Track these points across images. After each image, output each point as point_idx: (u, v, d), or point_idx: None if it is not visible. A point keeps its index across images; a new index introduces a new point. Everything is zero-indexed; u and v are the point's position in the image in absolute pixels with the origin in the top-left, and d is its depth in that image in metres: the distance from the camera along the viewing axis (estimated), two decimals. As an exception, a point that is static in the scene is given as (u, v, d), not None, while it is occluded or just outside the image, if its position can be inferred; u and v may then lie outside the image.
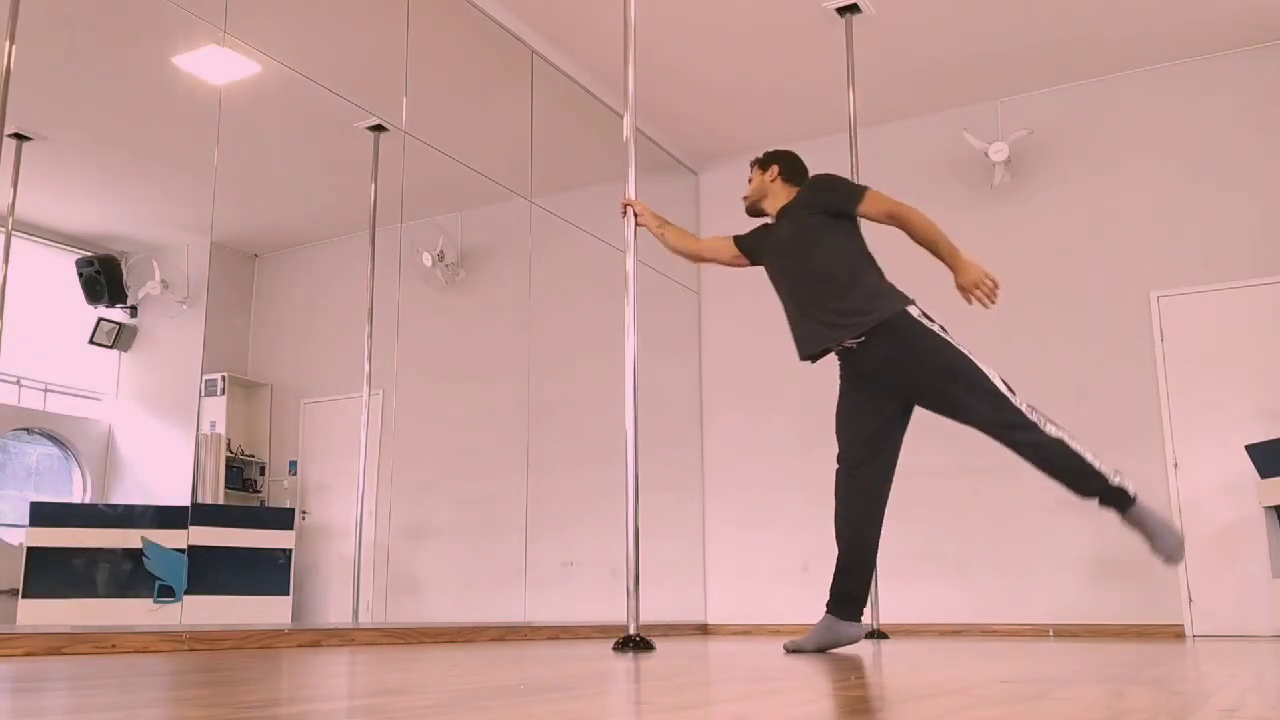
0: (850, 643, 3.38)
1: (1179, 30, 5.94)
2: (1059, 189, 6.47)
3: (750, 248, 3.82)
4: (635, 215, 3.95)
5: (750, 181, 3.81)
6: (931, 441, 6.50)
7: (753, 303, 7.36)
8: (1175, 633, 5.67)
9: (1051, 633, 5.87)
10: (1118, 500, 3.14)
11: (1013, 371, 6.30)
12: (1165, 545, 3.15)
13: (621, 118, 4.16)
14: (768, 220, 3.80)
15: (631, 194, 3.96)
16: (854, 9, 5.65)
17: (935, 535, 6.35)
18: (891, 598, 5.92)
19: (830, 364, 6.79)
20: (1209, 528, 5.72)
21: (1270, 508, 5.17)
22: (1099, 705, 1.49)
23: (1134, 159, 6.30)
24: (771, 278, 3.68)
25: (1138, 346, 6.09)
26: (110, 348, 5.37)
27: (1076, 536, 6.04)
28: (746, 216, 7.90)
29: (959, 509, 6.34)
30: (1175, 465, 5.86)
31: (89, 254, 5.29)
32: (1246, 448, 5.23)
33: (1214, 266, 5.98)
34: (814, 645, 3.35)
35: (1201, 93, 6.18)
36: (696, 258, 4.05)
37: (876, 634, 5.13)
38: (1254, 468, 5.19)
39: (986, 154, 6.40)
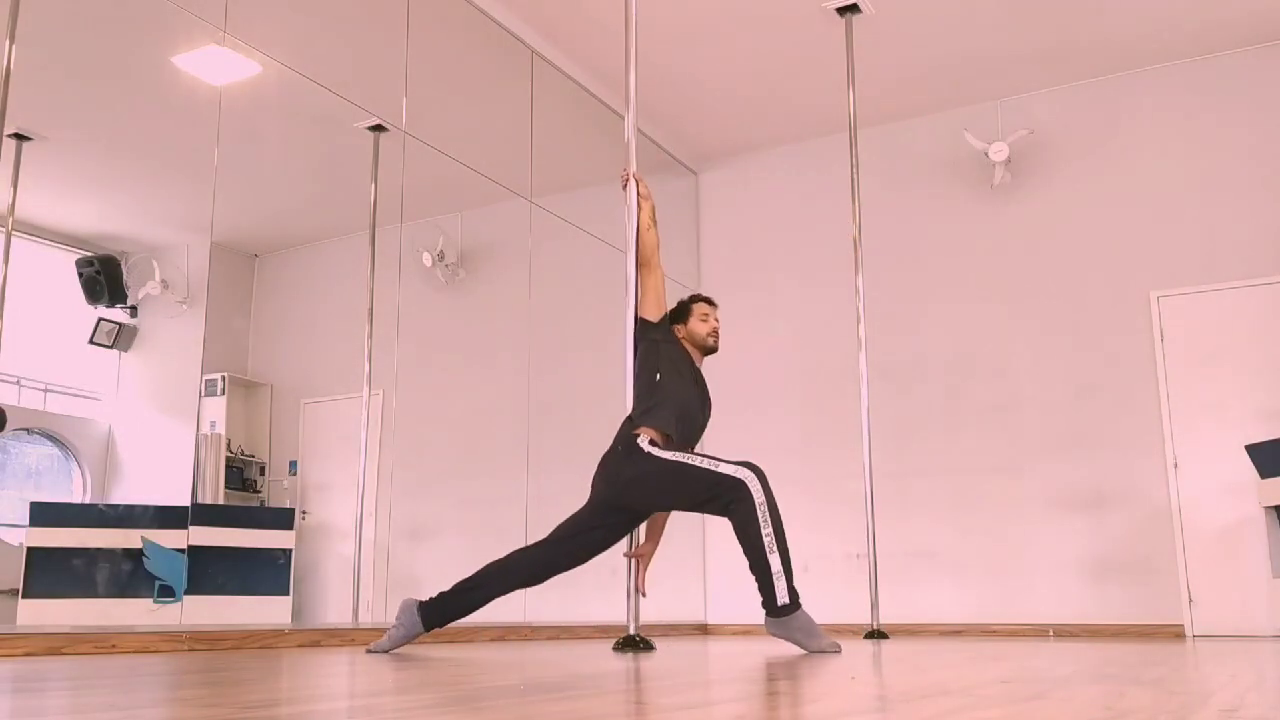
0: (411, 641, 3.43)
1: (1179, 30, 5.94)
2: (1059, 189, 6.47)
3: (668, 335, 3.82)
4: (638, 183, 3.87)
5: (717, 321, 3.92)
6: (931, 442, 6.53)
7: (752, 303, 7.38)
8: (1175, 633, 5.67)
9: (1051, 633, 5.87)
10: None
11: (1014, 371, 6.33)
12: (823, 645, 3.32)
13: (622, 118, 4.15)
14: (683, 335, 3.86)
15: (633, 196, 3.93)
16: (854, 9, 5.65)
17: (935, 535, 6.35)
18: (891, 598, 5.92)
19: (830, 373, 6.77)
20: (1209, 528, 5.72)
21: (1270, 508, 5.17)
22: (1099, 705, 1.49)
23: (1134, 159, 6.30)
24: (687, 385, 3.75)
25: (1138, 346, 6.09)
26: (110, 348, 5.36)
27: (1076, 536, 6.04)
28: (744, 217, 8.00)
29: (959, 509, 6.34)
30: (1175, 465, 5.86)
31: (89, 254, 5.28)
32: (1246, 448, 5.23)
33: (1214, 266, 5.98)
34: (391, 645, 3.41)
35: (1202, 93, 6.18)
36: (646, 255, 3.89)
37: (877, 634, 5.12)
38: (1254, 468, 5.19)
39: (986, 154, 6.40)
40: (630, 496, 3.52)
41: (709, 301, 3.92)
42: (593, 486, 3.58)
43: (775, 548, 3.34)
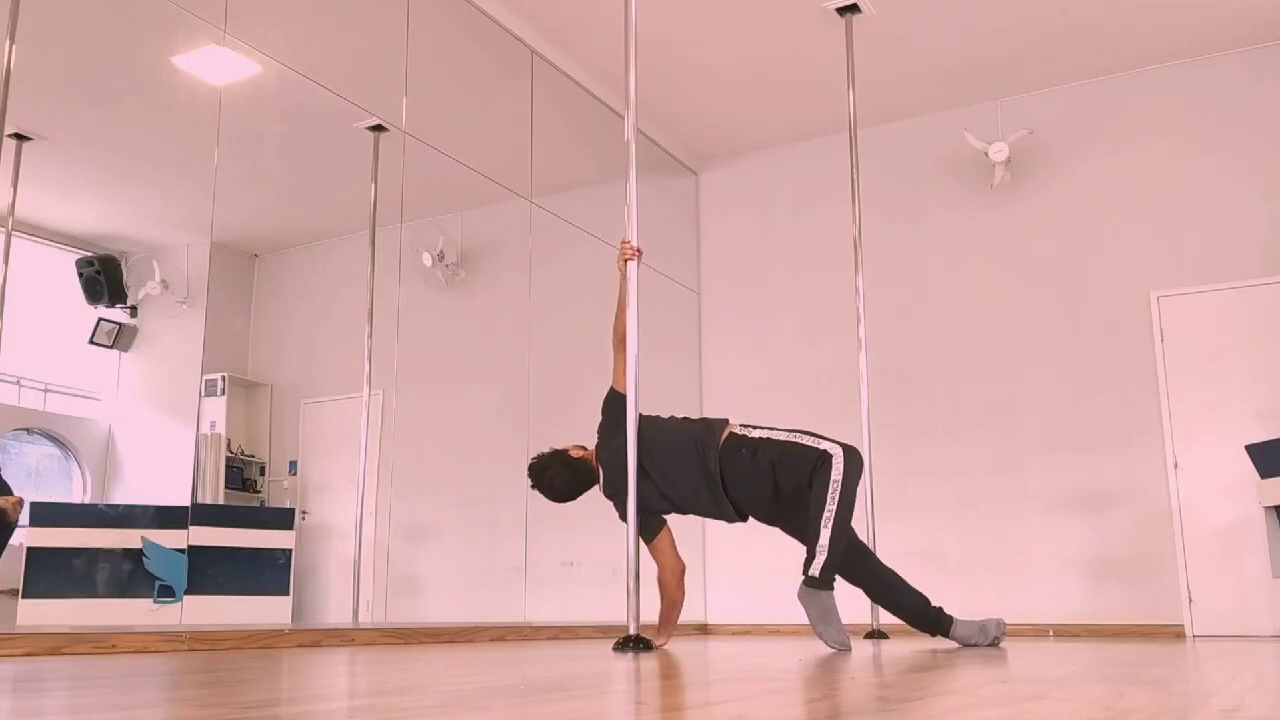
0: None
1: (1179, 30, 5.94)
2: (1059, 189, 6.47)
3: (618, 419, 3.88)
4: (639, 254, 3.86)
5: None
6: (931, 442, 6.53)
7: (753, 304, 7.38)
8: (1175, 633, 5.67)
9: (1051, 633, 5.87)
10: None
11: (1014, 371, 6.33)
12: (832, 637, 3.43)
13: (622, 118, 4.15)
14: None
15: (633, 197, 3.92)
16: (854, 9, 5.65)
17: (935, 535, 6.35)
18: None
19: (830, 373, 6.78)
20: (1209, 528, 5.72)
21: (1270, 508, 5.17)
22: (1099, 705, 1.49)
23: (1134, 159, 6.30)
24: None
25: (1138, 346, 6.09)
26: (110, 348, 5.37)
27: (1076, 536, 6.04)
28: (744, 217, 7.96)
29: (959, 509, 6.34)
30: (1175, 465, 5.86)
31: (89, 254, 5.28)
32: (1246, 448, 5.23)
33: (1214, 266, 5.98)
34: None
35: (1202, 93, 6.18)
36: (618, 337, 3.86)
37: (877, 634, 5.12)
38: (1254, 468, 5.19)
39: (986, 154, 6.40)
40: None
41: None
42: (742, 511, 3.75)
43: (830, 525, 3.47)
